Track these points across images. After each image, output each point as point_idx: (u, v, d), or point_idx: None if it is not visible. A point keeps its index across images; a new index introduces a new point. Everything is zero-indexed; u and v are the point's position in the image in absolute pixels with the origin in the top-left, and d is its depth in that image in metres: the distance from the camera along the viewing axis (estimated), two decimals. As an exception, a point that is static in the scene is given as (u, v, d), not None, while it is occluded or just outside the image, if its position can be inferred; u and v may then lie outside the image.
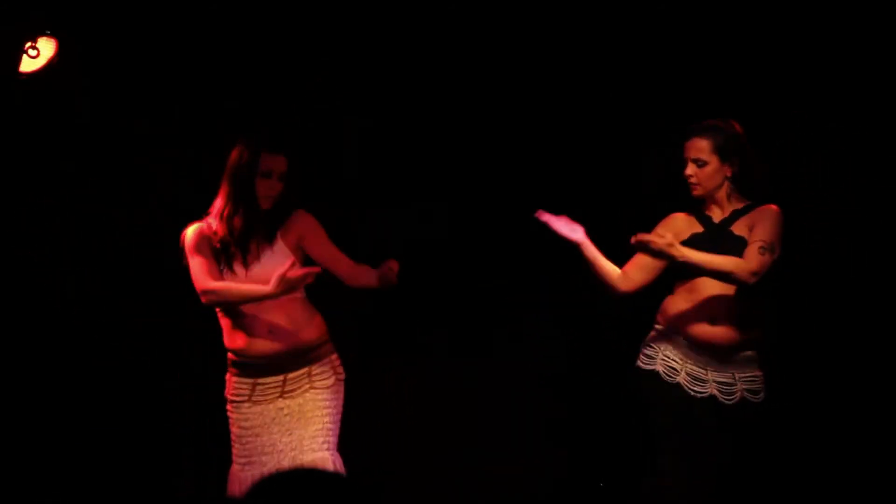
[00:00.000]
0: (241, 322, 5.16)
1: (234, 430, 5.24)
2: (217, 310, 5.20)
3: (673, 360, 5.13)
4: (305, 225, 5.23)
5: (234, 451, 5.24)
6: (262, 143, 5.14)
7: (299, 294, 5.19)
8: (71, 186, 6.27)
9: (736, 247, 5.02)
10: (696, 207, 5.20)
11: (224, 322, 5.22)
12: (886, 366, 6.16)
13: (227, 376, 5.28)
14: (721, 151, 5.06)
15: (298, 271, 4.97)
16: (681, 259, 4.90)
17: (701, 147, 5.07)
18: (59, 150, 6.24)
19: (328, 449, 5.19)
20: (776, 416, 5.74)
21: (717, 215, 5.16)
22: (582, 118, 6.52)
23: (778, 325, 5.56)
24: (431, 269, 6.59)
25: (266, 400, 5.20)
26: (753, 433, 5.15)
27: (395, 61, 6.49)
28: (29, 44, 5.78)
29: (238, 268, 5.14)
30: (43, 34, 5.80)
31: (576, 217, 5.25)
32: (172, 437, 6.40)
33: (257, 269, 5.13)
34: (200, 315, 5.34)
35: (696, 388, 5.09)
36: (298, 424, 5.18)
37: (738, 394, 5.09)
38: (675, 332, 5.14)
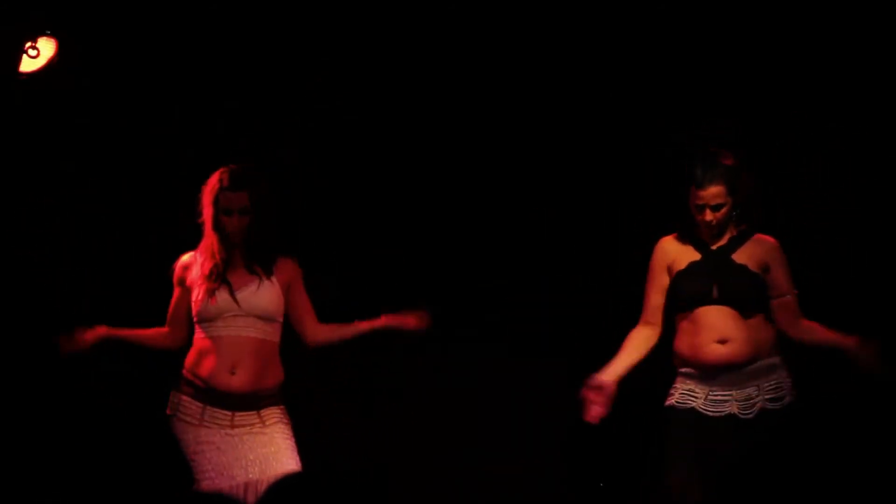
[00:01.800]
0: (209, 348, 5.21)
1: (189, 448, 5.22)
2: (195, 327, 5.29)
3: (693, 391, 5.13)
4: (293, 272, 5.36)
5: (196, 469, 5.22)
6: (221, 181, 5.21)
7: (276, 339, 5.28)
8: (71, 186, 6.26)
9: (737, 275, 5.05)
10: (687, 231, 5.19)
11: (196, 341, 5.28)
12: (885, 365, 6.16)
13: (177, 394, 5.27)
14: (733, 191, 5.07)
15: None
16: None
17: (718, 193, 5.06)
18: (59, 150, 6.23)
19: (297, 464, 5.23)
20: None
21: (713, 241, 5.17)
22: (580, 118, 6.52)
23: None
24: (431, 268, 6.59)
25: (216, 426, 5.21)
26: (772, 440, 5.14)
27: (394, 61, 6.49)
28: (29, 44, 5.78)
29: (223, 297, 5.21)
30: (43, 34, 5.79)
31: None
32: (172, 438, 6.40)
33: (253, 300, 5.23)
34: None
35: (710, 410, 5.09)
36: (258, 443, 5.20)
37: (758, 406, 5.09)
38: (693, 365, 5.14)
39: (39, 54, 5.79)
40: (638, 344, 5.23)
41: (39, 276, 6.28)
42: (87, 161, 6.26)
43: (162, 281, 6.15)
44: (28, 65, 5.80)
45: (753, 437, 5.07)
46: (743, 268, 5.07)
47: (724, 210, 5.06)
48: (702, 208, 5.07)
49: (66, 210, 6.27)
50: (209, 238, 5.25)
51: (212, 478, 5.17)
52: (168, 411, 5.27)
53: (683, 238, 5.19)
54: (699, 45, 6.24)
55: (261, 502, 2.42)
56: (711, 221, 5.07)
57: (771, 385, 5.12)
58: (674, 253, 5.18)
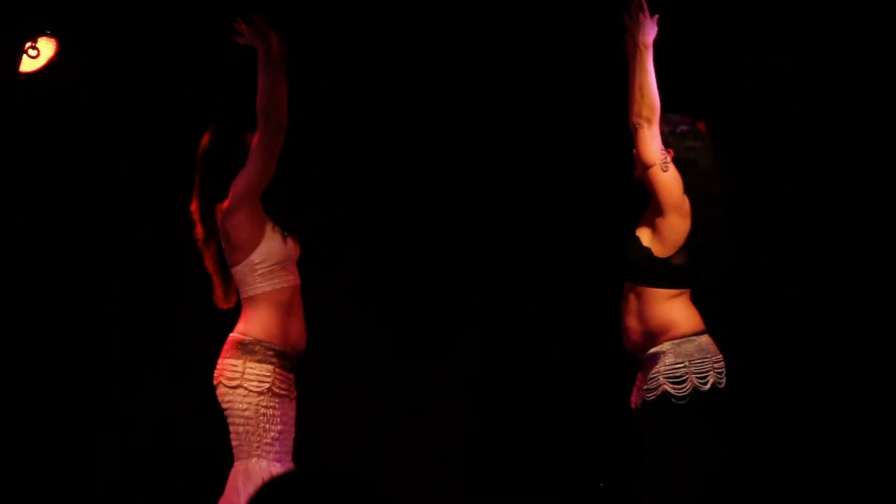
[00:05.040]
0: (289, 312, 5.07)
1: (275, 426, 5.03)
2: (261, 299, 5.04)
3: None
4: None
5: (270, 447, 5.01)
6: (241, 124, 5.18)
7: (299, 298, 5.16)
8: (71, 186, 6.27)
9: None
10: None
11: (270, 310, 5.05)
12: (886, 365, 6.17)
13: (268, 367, 5.00)
14: (662, 139, 5.01)
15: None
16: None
17: None
18: (59, 150, 6.24)
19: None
20: (771, 417, 5.76)
21: None
22: (578, 118, 6.52)
23: (780, 325, 5.59)
24: (430, 268, 6.60)
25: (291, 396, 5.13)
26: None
27: (393, 61, 6.50)
28: (29, 44, 5.78)
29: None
30: (43, 34, 5.79)
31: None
32: (175, 438, 6.41)
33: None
34: (203, 315, 5.33)
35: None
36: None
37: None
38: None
39: (39, 54, 5.79)
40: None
41: (40, 276, 6.29)
42: (87, 161, 6.27)
43: (165, 279, 6.18)
44: (28, 65, 5.80)
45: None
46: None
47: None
48: None
49: (66, 210, 6.27)
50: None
51: (273, 459, 5.02)
52: (259, 386, 5.00)
53: None
54: (696, 44, 6.25)
55: (254, 501, 2.41)
56: (635, 156, 5.05)
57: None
58: None
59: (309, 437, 6.42)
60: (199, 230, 5.10)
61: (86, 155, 6.28)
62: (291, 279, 5.09)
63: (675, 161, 5.00)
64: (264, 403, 5.00)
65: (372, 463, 6.22)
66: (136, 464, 6.37)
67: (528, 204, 6.63)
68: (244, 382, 5.00)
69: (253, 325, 5.03)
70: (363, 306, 6.58)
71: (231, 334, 5.06)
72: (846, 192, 6.18)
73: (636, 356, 5.06)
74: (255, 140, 5.01)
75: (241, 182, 4.99)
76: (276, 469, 5.00)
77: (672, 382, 4.93)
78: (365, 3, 6.37)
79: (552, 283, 6.61)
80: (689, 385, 4.93)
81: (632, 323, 5.06)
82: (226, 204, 5.01)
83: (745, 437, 6.10)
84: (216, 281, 5.12)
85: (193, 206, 5.10)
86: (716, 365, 5.00)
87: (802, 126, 6.19)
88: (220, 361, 5.07)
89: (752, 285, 6.26)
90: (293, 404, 5.10)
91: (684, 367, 4.94)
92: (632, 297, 5.07)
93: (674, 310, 5.01)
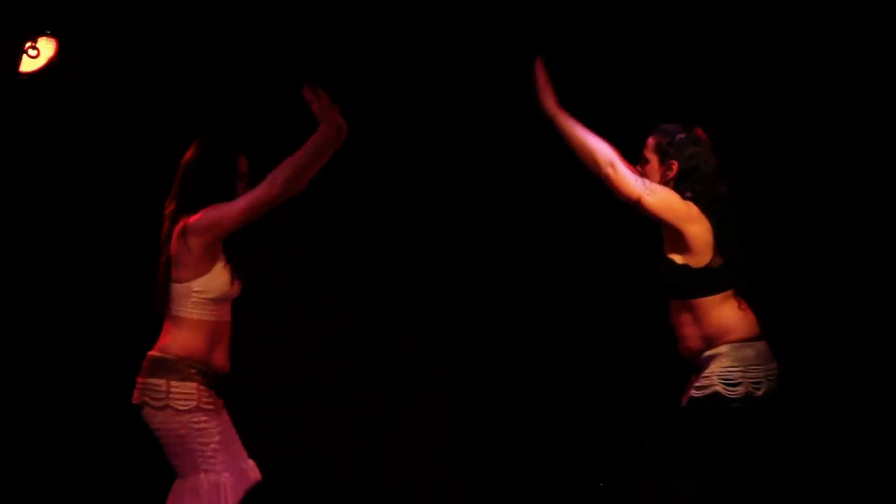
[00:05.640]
0: (213, 340, 4.98)
1: (213, 439, 4.95)
2: (188, 323, 4.96)
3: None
4: None
5: (213, 459, 4.95)
6: (238, 141, 5.11)
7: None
8: (71, 186, 6.27)
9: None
10: None
11: (194, 334, 4.97)
12: (887, 365, 6.16)
13: (192, 385, 4.92)
14: (660, 152, 5.02)
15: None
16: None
17: (647, 144, 5.06)
18: (59, 150, 6.24)
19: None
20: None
21: None
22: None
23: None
24: (430, 267, 6.60)
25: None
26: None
27: (393, 61, 6.50)
28: (29, 44, 5.78)
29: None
30: (43, 34, 5.80)
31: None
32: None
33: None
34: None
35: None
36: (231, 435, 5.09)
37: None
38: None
39: (39, 54, 5.80)
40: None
41: (40, 276, 6.29)
42: (87, 161, 6.27)
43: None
44: (28, 65, 5.81)
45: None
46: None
47: (647, 167, 5.03)
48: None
49: (67, 210, 6.28)
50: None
51: (221, 470, 4.98)
52: (185, 404, 4.94)
53: None
54: (695, 44, 6.25)
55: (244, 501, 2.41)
56: (637, 168, 5.04)
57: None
58: None
59: (309, 438, 6.45)
60: (165, 229, 5.03)
61: (86, 155, 6.29)
62: (223, 315, 5.00)
63: (680, 171, 4.99)
64: (195, 420, 4.93)
65: (372, 463, 6.23)
66: (136, 464, 6.37)
67: (528, 204, 6.63)
68: (171, 402, 4.93)
69: (174, 343, 4.96)
70: (363, 306, 6.59)
71: (150, 352, 4.99)
72: (846, 192, 6.17)
73: (692, 362, 5.03)
74: (257, 191, 4.87)
75: (216, 215, 4.90)
76: (226, 478, 4.96)
77: (725, 384, 4.92)
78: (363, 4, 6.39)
79: (552, 283, 6.61)
80: (741, 389, 4.93)
81: (688, 331, 5.03)
82: (192, 220, 4.94)
83: (743, 437, 6.09)
84: (159, 285, 5.03)
85: (168, 209, 5.04)
86: (770, 372, 5.01)
87: (802, 126, 6.18)
88: (139, 381, 4.99)
89: (752, 285, 6.25)
90: (223, 414, 5.03)
91: (740, 371, 4.93)
92: (683, 310, 5.03)
93: (729, 313, 4.99)
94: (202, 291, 4.95)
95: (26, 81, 5.83)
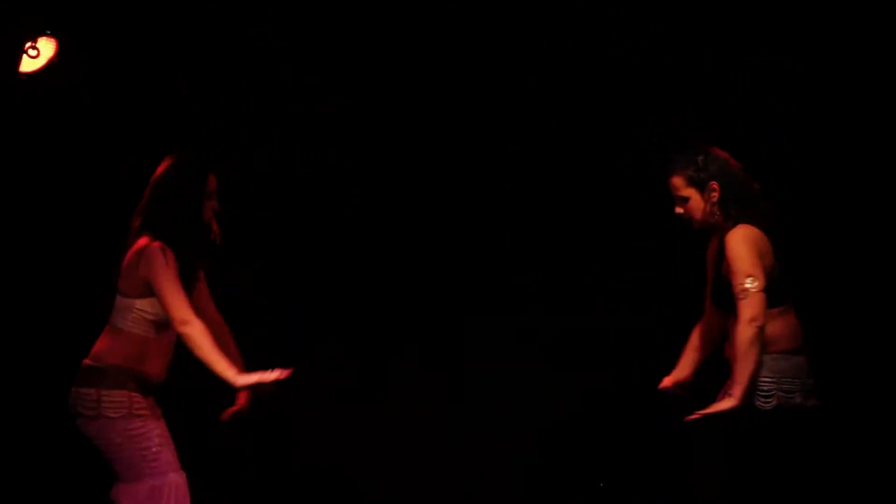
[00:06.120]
0: (149, 354, 4.95)
1: (152, 442, 4.92)
2: (126, 335, 4.93)
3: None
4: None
5: (156, 462, 4.92)
6: (208, 161, 5.04)
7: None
8: (71, 186, 6.27)
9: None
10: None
11: (131, 345, 4.94)
12: (887, 365, 6.16)
13: (123, 393, 4.90)
14: (696, 183, 4.94)
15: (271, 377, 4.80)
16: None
17: (677, 185, 4.97)
18: (59, 150, 6.24)
19: None
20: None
21: (711, 237, 5.07)
22: (574, 119, 6.53)
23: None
24: (429, 267, 6.60)
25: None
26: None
27: (393, 61, 6.50)
28: (29, 44, 5.79)
29: None
30: (43, 34, 5.80)
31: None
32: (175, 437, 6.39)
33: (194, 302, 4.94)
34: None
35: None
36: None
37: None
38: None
39: (39, 54, 5.80)
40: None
41: (40, 276, 6.29)
42: (87, 161, 6.27)
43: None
44: (28, 65, 5.81)
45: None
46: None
47: (691, 204, 4.95)
48: (674, 200, 5.03)
49: (67, 210, 6.28)
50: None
51: (166, 471, 4.95)
52: (117, 412, 4.90)
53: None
54: (694, 44, 6.26)
55: None
56: (682, 215, 4.99)
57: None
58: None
59: (309, 438, 6.45)
60: (128, 241, 5.00)
61: (86, 155, 6.29)
62: (165, 336, 4.95)
63: (722, 188, 4.89)
64: (129, 427, 4.91)
65: (371, 463, 6.22)
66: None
67: (528, 204, 6.62)
68: (102, 412, 4.91)
69: (109, 353, 4.94)
70: (363, 306, 6.59)
71: (85, 360, 4.97)
72: (846, 192, 6.17)
73: (733, 365, 4.96)
74: (173, 305, 4.78)
75: (148, 273, 4.85)
76: (172, 479, 4.93)
77: (759, 394, 4.89)
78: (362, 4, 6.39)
79: (552, 282, 6.60)
80: (774, 401, 4.90)
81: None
82: (145, 252, 4.89)
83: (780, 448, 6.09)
84: (110, 292, 5.01)
85: (134, 224, 4.99)
86: (806, 386, 4.98)
87: (802, 126, 6.18)
88: (73, 389, 4.99)
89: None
90: (160, 420, 4.99)
91: (773, 381, 4.90)
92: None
93: (781, 325, 4.94)
94: (144, 311, 4.93)
95: (26, 81, 5.83)
